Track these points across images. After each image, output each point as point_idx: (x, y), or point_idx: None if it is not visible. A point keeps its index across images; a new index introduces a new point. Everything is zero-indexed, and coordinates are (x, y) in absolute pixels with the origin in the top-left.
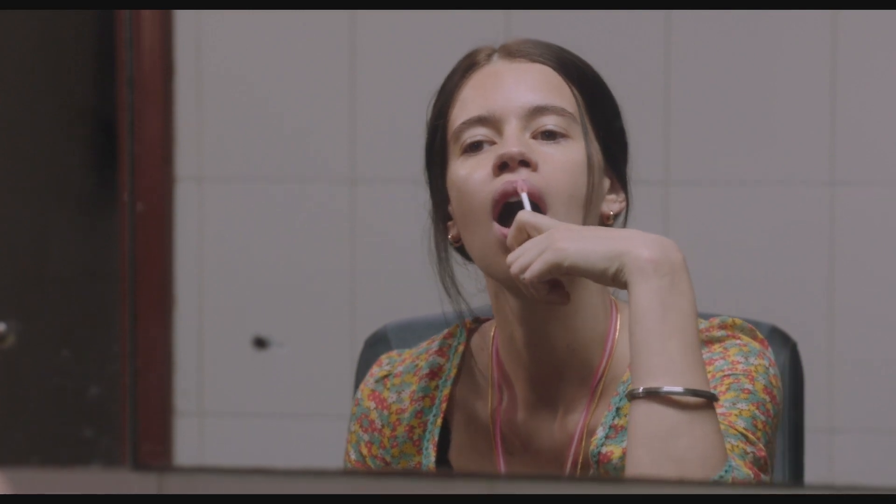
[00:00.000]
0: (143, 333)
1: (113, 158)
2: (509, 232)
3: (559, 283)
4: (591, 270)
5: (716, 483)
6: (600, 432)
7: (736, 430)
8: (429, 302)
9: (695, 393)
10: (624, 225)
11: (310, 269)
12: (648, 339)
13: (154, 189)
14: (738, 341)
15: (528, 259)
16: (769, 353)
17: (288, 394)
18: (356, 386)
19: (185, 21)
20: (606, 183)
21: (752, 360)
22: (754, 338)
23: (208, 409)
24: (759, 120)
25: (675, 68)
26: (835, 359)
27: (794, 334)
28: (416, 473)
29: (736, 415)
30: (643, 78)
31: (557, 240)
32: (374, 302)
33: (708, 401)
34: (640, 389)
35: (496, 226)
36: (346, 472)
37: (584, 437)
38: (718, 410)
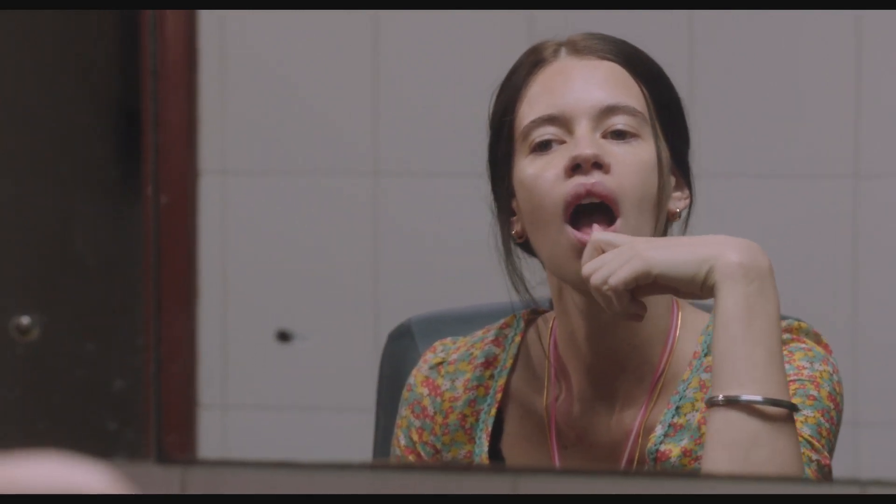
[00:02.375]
0: (167, 326)
1: (137, 150)
2: (584, 251)
3: (636, 296)
4: (680, 278)
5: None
6: (659, 430)
7: (802, 436)
8: (453, 295)
9: (776, 403)
10: (686, 221)
11: (333, 262)
12: (734, 346)
13: (178, 181)
14: (802, 345)
15: (612, 269)
16: (833, 358)
17: (311, 387)
18: (379, 379)
19: (210, 12)
20: (673, 180)
21: (816, 365)
22: (818, 342)
23: (232, 401)
24: (782, 113)
25: (699, 62)
26: (859, 352)
27: (819, 328)
28: (437, 467)
29: (801, 421)
30: (667, 73)
31: (642, 249)
32: (398, 295)
33: (788, 411)
34: (721, 397)
35: (568, 229)
36: (371, 466)
37: (641, 434)
38: None
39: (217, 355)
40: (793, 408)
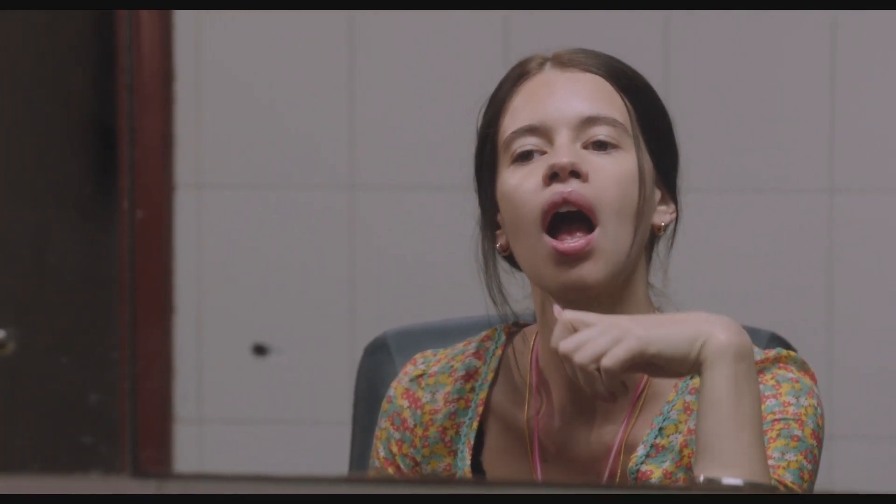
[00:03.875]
0: (143, 340)
1: (112, 165)
2: (556, 328)
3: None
4: (674, 357)
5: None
6: (641, 450)
7: (784, 483)
8: (429, 308)
9: (757, 487)
10: (673, 235)
11: (309, 275)
12: (721, 426)
13: (154, 196)
14: (790, 375)
15: (600, 348)
16: (817, 389)
17: (287, 401)
18: (356, 393)
19: (186, 27)
20: (657, 194)
21: (802, 400)
22: (805, 371)
23: (208, 415)
24: (758, 127)
25: (674, 73)
26: (834, 366)
27: (793, 341)
28: (414, 480)
29: (784, 467)
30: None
31: (631, 328)
32: (374, 309)
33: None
34: (702, 478)
35: (546, 237)
36: (346, 479)
37: (622, 452)
38: (769, 462)
39: (193, 369)
40: (771, 490)
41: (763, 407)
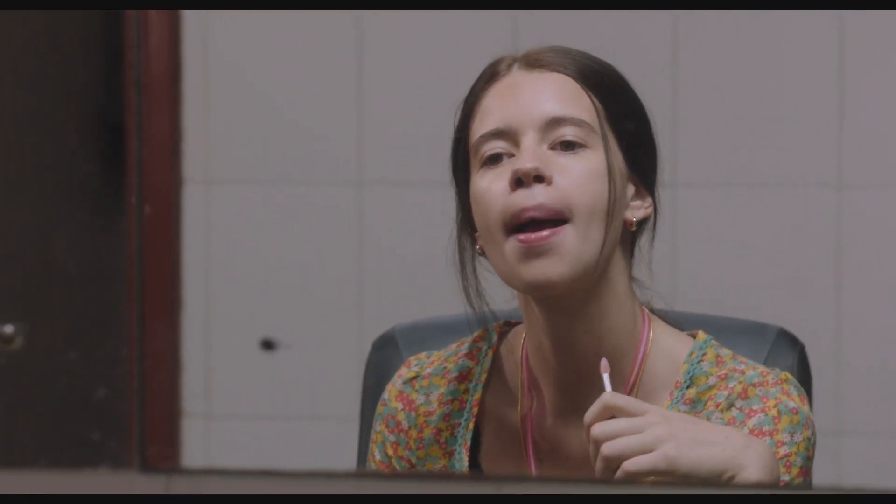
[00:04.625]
0: (151, 336)
1: (120, 160)
2: (592, 407)
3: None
4: (699, 479)
5: (734, 486)
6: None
7: None
8: (437, 303)
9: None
10: (654, 230)
11: (317, 271)
12: None
13: (162, 191)
14: (791, 404)
15: (629, 448)
16: (811, 412)
17: (295, 396)
18: (364, 388)
19: (193, 23)
20: (631, 189)
21: (797, 436)
22: (801, 395)
23: (216, 411)
24: (766, 122)
25: (682, 70)
26: (842, 361)
27: (802, 337)
28: (423, 475)
29: None
30: (651, 80)
31: (665, 439)
32: (382, 304)
33: None
34: None
35: (511, 238)
36: (354, 474)
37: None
38: None
39: (201, 365)
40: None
41: None
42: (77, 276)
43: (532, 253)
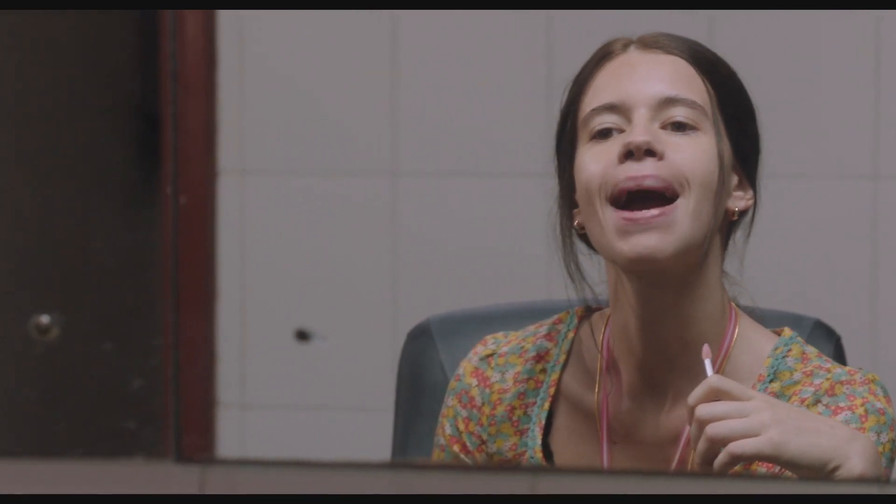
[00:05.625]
0: (186, 326)
1: (156, 151)
2: (697, 388)
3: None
4: (805, 469)
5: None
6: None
7: None
8: (472, 294)
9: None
10: (752, 221)
11: (352, 261)
12: None
13: (197, 182)
14: (878, 404)
15: (734, 431)
16: (893, 411)
17: (330, 387)
18: (398, 379)
19: (228, 14)
20: (734, 179)
21: (883, 436)
22: (887, 396)
23: (251, 401)
24: (801, 113)
25: None
26: (879, 352)
27: (838, 328)
28: (453, 467)
29: None
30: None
31: (771, 425)
32: (417, 295)
33: None
34: None
35: (612, 209)
36: (390, 465)
37: (689, 440)
38: None
39: (235, 355)
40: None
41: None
42: (112, 266)
43: (637, 227)
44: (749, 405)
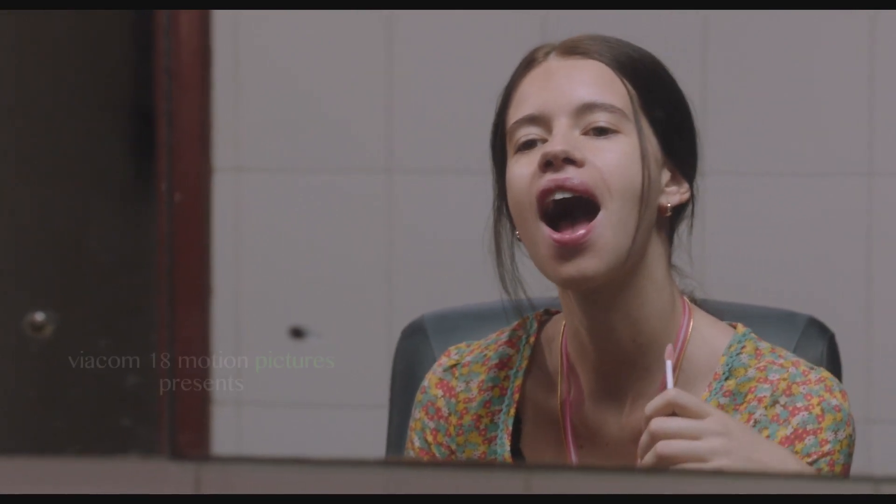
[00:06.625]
0: (181, 323)
1: (151, 148)
2: (656, 399)
3: None
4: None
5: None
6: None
7: None
8: (466, 292)
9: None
10: (692, 217)
11: (347, 259)
12: None
13: (192, 179)
14: (834, 401)
15: (682, 453)
16: (850, 408)
17: (325, 384)
18: (393, 376)
19: (223, 10)
20: (666, 175)
21: (840, 433)
22: (843, 392)
23: (246, 398)
24: (796, 110)
25: (712, 61)
26: (873, 350)
27: (832, 325)
28: (450, 465)
29: None
30: (681, 71)
31: (721, 458)
32: (412, 292)
33: None
34: None
35: (545, 229)
36: (385, 462)
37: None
38: None
39: (231, 352)
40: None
41: (801, 446)
42: (107, 263)
43: (567, 251)
44: (703, 426)
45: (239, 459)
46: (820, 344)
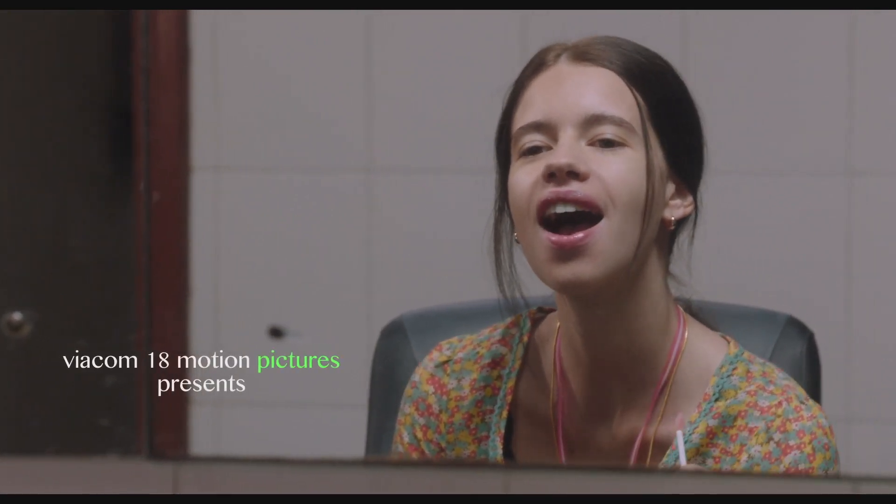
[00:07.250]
0: (159, 323)
1: (129, 147)
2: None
3: None
4: None
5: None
6: (671, 455)
7: None
8: (446, 291)
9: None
10: (694, 228)
11: (326, 258)
12: None
13: (170, 178)
14: (824, 439)
15: None
16: (835, 442)
17: (304, 383)
18: (372, 375)
19: (202, 10)
20: (671, 188)
21: (829, 472)
22: (829, 425)
23: (224, 398)
24: (776, 110)
25: (691, 60)
26: (852, 348)
27: (812, 324)
28: (426, 464)
29: None
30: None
31: None
32: (391, 291)
33: None
34: None
35: (543, 232)
36: (364, 462)
37: (644, 448)
38: None
39: (209, 351)
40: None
41: (788, 459)
42: (85, 263)
43: (564, 254)
44: None
45: (217, 459)
46: (799, 343)
